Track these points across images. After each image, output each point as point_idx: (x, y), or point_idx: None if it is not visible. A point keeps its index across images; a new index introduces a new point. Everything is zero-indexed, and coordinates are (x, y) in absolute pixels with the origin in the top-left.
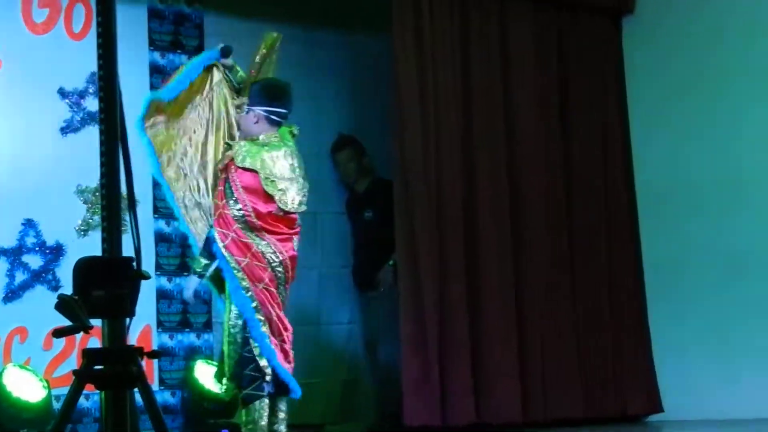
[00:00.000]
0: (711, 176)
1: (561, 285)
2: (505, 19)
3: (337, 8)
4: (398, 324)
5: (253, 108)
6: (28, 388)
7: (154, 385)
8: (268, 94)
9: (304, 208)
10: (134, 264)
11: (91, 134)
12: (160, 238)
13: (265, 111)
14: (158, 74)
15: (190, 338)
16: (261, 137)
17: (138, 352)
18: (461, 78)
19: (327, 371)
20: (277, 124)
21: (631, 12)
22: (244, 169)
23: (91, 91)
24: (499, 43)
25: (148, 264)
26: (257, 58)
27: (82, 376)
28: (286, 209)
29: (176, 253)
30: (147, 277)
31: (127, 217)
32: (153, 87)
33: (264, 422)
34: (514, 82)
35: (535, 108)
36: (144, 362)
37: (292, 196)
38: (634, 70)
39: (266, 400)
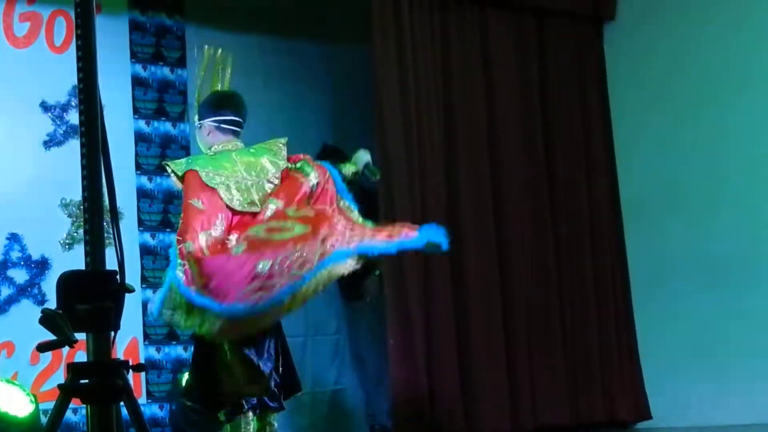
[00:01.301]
0: (694, 180)
1: (547, 291)
2: (485, 26)
3: (317, 19)
4: (385, 334)
5: (202, 122)
6: (15, 403)
7: (142, 399)
8: (212, 105)
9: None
10: (118, 277)
11: (75, 147)
12: (145, 251)
13: (214, 121)
14: (140, 86)
15: (177, 351)
16: (213, 148)
17: (124, 365)
18: (442, 86)
19: (315, 382)
20: (232, 133)
21: (612, 19)
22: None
23: (73, 104)
24: (479, 51)
25: (133, 277)
26: (197, 79)
27: (67, 391)
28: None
29: (161, 265)
30: (131, 290)
31: (111, 230)
32: (135, 99)
33: None
34: (496, 89)
35: (516, 114)
36: (131, 375)
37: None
38: (616, 76)
39: (250, 415)
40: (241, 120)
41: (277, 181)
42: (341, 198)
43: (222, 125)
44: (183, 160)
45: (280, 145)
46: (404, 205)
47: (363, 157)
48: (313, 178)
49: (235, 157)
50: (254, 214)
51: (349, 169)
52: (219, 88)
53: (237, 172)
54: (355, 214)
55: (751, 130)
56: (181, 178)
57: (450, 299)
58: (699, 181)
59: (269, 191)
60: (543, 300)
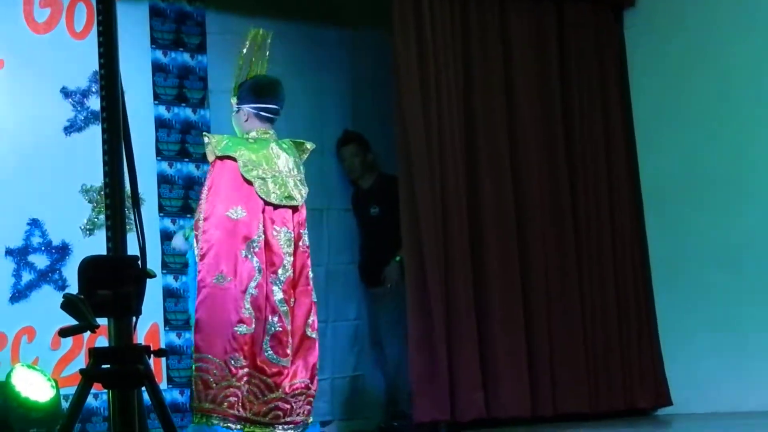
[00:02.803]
0: (715, 168)
1: (567, 280)
2: (505, 12)
3: (337, 5)
4: (405, 320)
5: (242, 106)
6: (36, 388)
7: (163, 384)
8: (255, 91)
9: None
10: (139, 263)
11: (95, 133)
12: (166, 236)
13: (254, 108)
14: (161, 72)
15: None
16: (252, 134)
17: (145, 350)
18: (462, 72)
19: (334, 368)
20: (269, 120)
21: (632, 5)
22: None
23: (94, 90)
24: (499, 37)
25: (154, 262)
26: (242, 57)
27: (89, 376)
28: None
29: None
30: (152, 275)
31: (132, 216)
32: (155, 85)
33: None
34: (516, 76)
35: (536, 102)
36: (152, 361)
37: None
38: (637, 63)
39: None
40: (279, 108)
41: (305, 183)
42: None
43: (261, 113)
44: (225, 139)
45: (307, 148)
46: (424, 191)
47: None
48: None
49: (272, 149)
50: (293, 208)
51: None
52: (258, 71)
53: (275, 165)
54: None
55: None
56: (218, 158)
57: (470, 286)
58: (720, 169)
59: (305, 192)
60: (563, 288)
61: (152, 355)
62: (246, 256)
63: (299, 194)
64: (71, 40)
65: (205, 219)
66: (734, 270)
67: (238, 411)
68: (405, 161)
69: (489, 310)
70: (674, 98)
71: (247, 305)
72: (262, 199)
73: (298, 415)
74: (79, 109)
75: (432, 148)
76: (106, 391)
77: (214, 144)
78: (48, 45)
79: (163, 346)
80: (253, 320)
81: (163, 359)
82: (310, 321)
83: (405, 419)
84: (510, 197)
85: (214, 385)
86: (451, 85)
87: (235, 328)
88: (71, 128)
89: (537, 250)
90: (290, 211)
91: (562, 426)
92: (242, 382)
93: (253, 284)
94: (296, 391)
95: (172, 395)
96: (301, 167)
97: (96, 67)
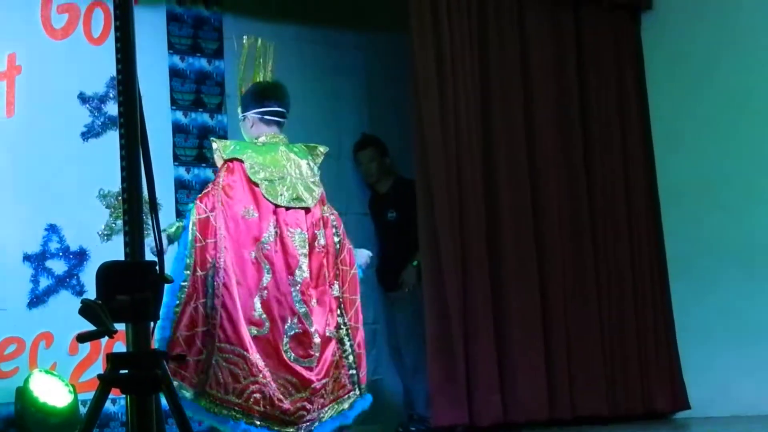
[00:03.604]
0: (733, 169)
1: (585, 282)
2: (522, 15)
3: (354, 8)
4: (423, 324)
5: (246, 114)
6: (54, 394)
7: None
8: (256, 96)
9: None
10: (157, 268)
11: (113, 139)
12: None
13: (257, 113)
14: (178, 78)
15: None
16: (261, 139)
17: (163, 355)
18: (480, 75)
19: None
20: (276, 124)
21: (649, 7)
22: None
23: (111, 95)
24: (517, 39)
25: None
26: (239, 71)
27: (107, 381)
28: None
29: None
30: (170, 280)
31: (149, 221)
32: (173, 90)
33: None
34: (533, 78)
35: (554, 103)
36: (169, 366)
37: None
38: (654, 65)
39: None
40: (284, 110)
41: (318, 185)
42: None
43: (265, 116)
44: (231, 143)
45: (321, 152)
46: (441, 195)
47: (364, 255)
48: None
49: (281, 153)
50: (305, 210)
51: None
52: (261, 78)
53: (283, 168)
54: (353, 271)
55: None
56: (226, 161)
57: (488, 289)
58: (738, 169)
59: (317, 193)
60: (581, 290)
61: (170, 360)
62: (255, 258)
63: (310, 196)
64: (89, 46)
65: (211, 210)
66: (753, 272)
67: (264, 408)
68: (422, 165)
69: (506, 313)
70: (691, 99)
71: (257, 307)
72: (269, 201)
73: (316, 412)
74: (96, 114)
75: (449, 152)
76: (123, 396)
77: (221, 149)
78: (65, 50)
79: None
80: (266, 322)
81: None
82: (330, 320)
83: (423, 423)
84: (527, 200)
85: (243, 380)
86: (469, 88)
87: (248, 329)
88: (89, 134)
89: (554, 252)
90: (302, 212)
91: (581, 429)
92: (268, 379)
93: (261, 285)
94: (321, 391)
95: None
96: (316, 170)
97: (113, 72)
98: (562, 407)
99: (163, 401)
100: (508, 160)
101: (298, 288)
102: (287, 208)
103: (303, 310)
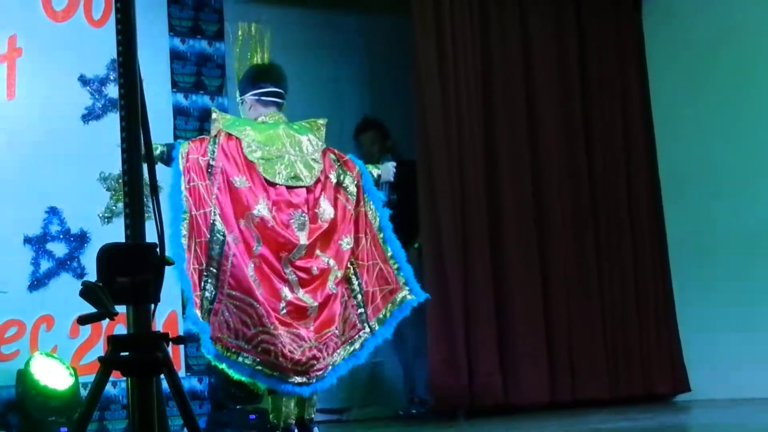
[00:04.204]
0: (734, 155)
1: (586, 267)
2: (525, 1)
3: None
4: (424, 307)
5: (243, 97)
6: (55, 376)
7: (181, 372)
8: (251, 78)
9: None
10: (158, 250)
11: (113, 121)
12: None
13: (254, 95)
14: (179, 60)
15: None
16: (260, 119)
17: (164, 337)
18: (481, 58)
19: None
20: (274, 105)
21: None
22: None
23: (112, 78)
24: (518, 24)
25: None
26: (234, 59)
27: (108, 363)
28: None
29: None
30: (171, 263)
31: (150, 204)
32: (173, 72)
33: (289, 409)
34: (535, 62)
35: (555, 88)
36: (170, 348)
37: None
38: (655, 51)
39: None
40: (281, 91)
41: (318, 161)
42: (367, 200)
43: (262, 98)
44: (231, 117)
45: (320, 125)
46: (442, 177)
47: (390, 168)
48: (351, 189)
49: (282, 131)
50: (307, 189)
51: (374, 171)
52: (258, 62)
53: (282, 146)
54: (377, 221)
55: None
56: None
57: (488, 271)
58: (739, 155)
59: (317, 170)
60: (582, 274)
61: (171, 343)
62: (245, 227)
63: (309, 174)
64: (89, 28)
65: (202, 154)
66: (754, 257)
67: (277, 360)
68: (423, 148)
69: (508, 296)
70: (693, 85)
71: (251, 272)
72: (266, 180)
73: (329, 358)
74: (97, 96)
75: (451, 135)
76: (124, 378)
77: (220, 120)
78: (66, 33)
79: (181, 333)
80: (258, 286)
81: (182, 347)
82: (338, 275)
83: (424, 405)
84: (529, 183)
85: (252, 328)
86: (470, 71)
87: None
88: (89, 116)
89: (556, 236)
90: (303, 191)
91: (581, 412)
92: (280, 331)
93: (254, 254)
94: (328, 340)
95: (190, 383)
96: (319, 144)
97: (114, 54)
98: (563, 390)
99: (164, 383)
100: (509, 145)
101: (292, 260)
102: (289, 188)
103: (293, 278)
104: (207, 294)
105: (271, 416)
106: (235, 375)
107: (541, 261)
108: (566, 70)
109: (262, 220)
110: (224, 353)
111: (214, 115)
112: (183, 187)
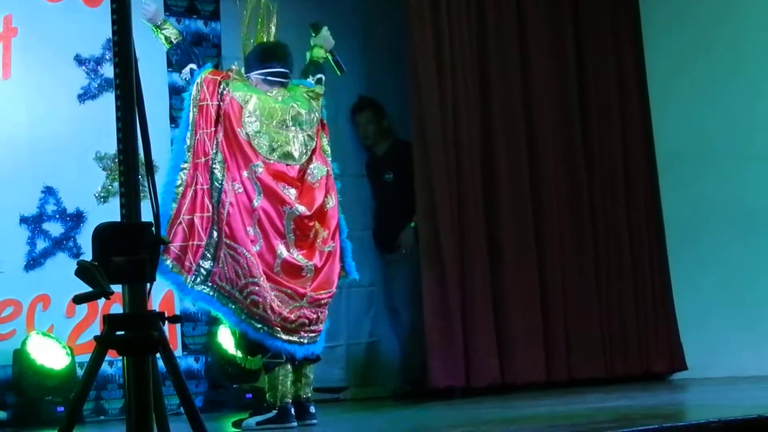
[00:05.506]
0: (729, 132)
1: (583, 246)
2: None
3: None
4: (420, 286)
5: (249, 75)
6: (51, 356)
7: (178, 351)
8: (259, 57)
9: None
10: (153, 229)
11: (109, 101)
12: None
13: (261, 74)
14: None
15: None
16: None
17: (160, 317)
18: (477, 38)
19: (349, 334)
20: (279, 84)
21: None
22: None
23: (107, 57)
24: (514, 3)
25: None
26: (245, 27)
27: (103, 343)
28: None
29: None
30: (166, 242)
31: (146, 183)
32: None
33: (286, 388)
34: (530, 41)
35: (551, 66)
36: (167, 327)
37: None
38: (651, 29)
39: (288, 366)
40: (288, 71)
41: (313, 137)
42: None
43: (269, 77)
44: (241, 83)
45: (317, 93)
46: (438, 157)
47: (324, 35)
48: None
49: (287, 106)
50: (299, 170)
51: (320, 51)
52: (264, 39)
53: (283, 122)
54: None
55: None
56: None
57: (484, 251)
58: (735, 133)
59: (311, 148)
60: (578, 253)
61: (167, 322)
62: (248, 177)
63: (303, 151)
64: (85, 8)
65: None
66: (750, 234)
67: (266, 312)
68: (419, 127)
69: (504, 275)
70: (689, 63)
71: (254, 223)
72: (259, 153)
73: (321, 322)
74: (92, 76)
75: (446, 114)
76: (120, 358)
77: (233, 74)
78: (61, 13)
79: (177, 312)
80: (260, 239)
81: (178, 326)
82: (324, 235)
83: (420, 385)
84: (524, 162)
85: (243, 278)
86: (466, 51)
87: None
88: (85, 96)
89: (552, 215)
90: (296, 167)
91: (578, 391)
92: (267, 285)
93: (254, 206)
94: (321, 301)
95: (186, 362)
96: (316, 116)
97: (109, 34)
98: (559, 370)
99: (160, 363)
100: (505, 124)
101: (291, 225)
102: (271, 162)
103: (291, 237)
104: (213, 240)
105: (267, 395)
106: (225, 321)
107: (538, 241)
108: (562, 48)
109: (265, 171)
110: (220, 299)
111: (233, 67)
112: (187, 136)
